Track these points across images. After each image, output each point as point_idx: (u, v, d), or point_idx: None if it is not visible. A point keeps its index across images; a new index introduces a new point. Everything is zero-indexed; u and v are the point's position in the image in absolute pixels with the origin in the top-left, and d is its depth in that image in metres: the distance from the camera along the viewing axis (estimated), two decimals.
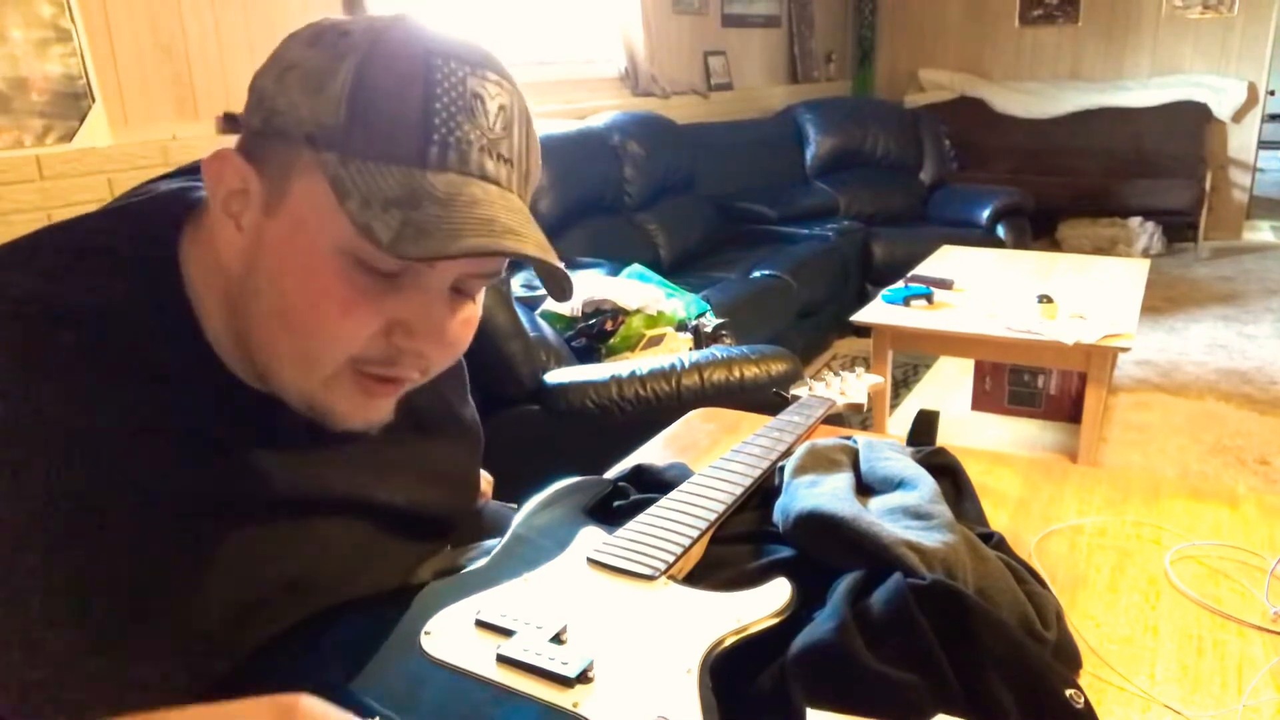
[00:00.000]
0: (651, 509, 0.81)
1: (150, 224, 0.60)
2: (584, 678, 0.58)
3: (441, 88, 0.53)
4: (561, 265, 0.57)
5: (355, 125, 0.51)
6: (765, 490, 0.88)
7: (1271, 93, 5.73)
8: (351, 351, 0.55)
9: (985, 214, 4.32)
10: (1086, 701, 0.61)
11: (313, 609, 0.64)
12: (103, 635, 0.52)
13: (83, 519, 0.51)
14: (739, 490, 0.84)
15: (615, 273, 2.76)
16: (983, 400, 3.16)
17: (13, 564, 0.49)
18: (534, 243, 0.55)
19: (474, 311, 0.61)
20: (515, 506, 0.84)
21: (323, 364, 0.55)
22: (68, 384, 0.52)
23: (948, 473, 0.92)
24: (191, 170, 0.65)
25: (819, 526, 0.75)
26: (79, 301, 0.54)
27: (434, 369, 0.61)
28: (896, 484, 0.84)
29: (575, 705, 0.56)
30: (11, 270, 0.55)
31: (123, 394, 0.54)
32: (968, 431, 3.03)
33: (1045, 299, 2.58)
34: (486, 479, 1.03)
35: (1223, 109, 5.47)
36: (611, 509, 0.86)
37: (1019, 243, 4.23)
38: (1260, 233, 5.95)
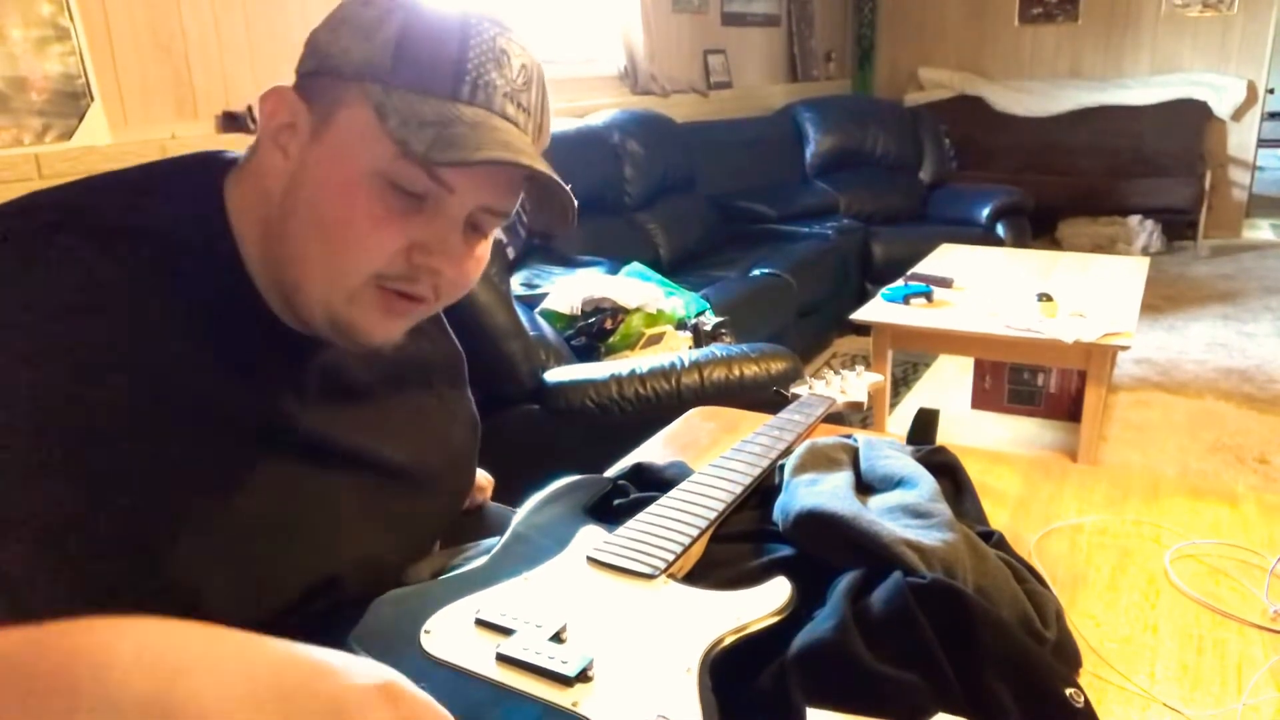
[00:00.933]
0: (651, 508, 0.81)
1: (194, 170, 0.66)
2: (584, 677, 0.58)
3: (476, 39, 0.61)
4: (569, 190, 0.65)
5: (400, 63, 0.58)
6: (765, 489, 0.88)
7: (1271, 91, 5.73)
8: (376, 265, 0.61)
9: (985, 212, 4.32)
10: (1086, 700, 0.61)
11: (295, 556, 0.66)
12: (109, 540, 0.54)
13: (116, 421, 0.55)
14: (739, 489, 0.84)
15: (615, 271, 2.76)
16: (982, 399, 3.16)
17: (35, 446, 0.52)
18: (546, 167, 0.62)
19: (485, 250, 0.68)
20: (514, 511, 0.84)
21: (350, 276, 0.61)
22: (119, 296, 0.57)
23: (947, 471, 0.92)
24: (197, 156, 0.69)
25: (819, 525, 0.75)
26: (135, 224, 0.60)
27: (444, 295, 0.66)
28: (896, 483, 0.84)
29: (575, 704, 0.56)
30: (74, 193, 0.61)
31: (170, 309, 0.59)
32: (967, 430, 3.03)
33: (1045, 297, 2.58)
34: (486, 478, 1.03)
35: (1222, 107, 5.47)
36: (611, 507, 0.86)
37: (1019, 241, 4.23)
38: (1260, 231, 5.95)
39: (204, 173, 0.66)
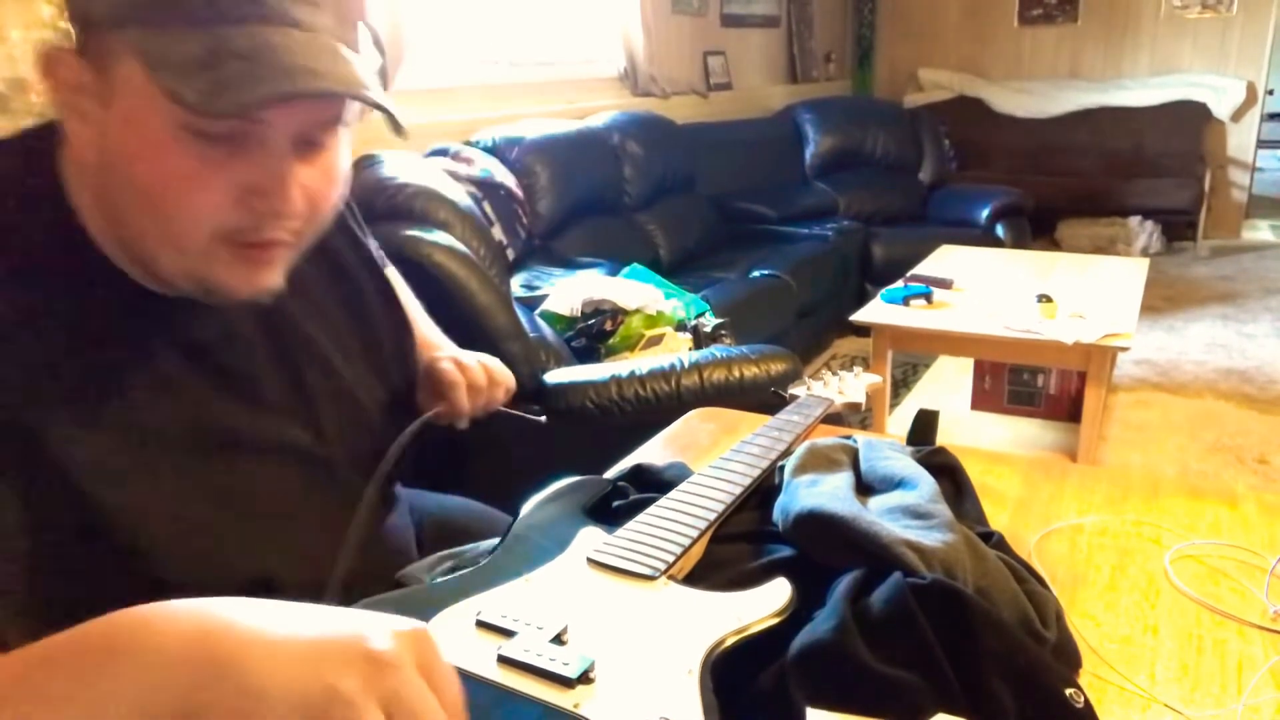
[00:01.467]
0: (651, 509, 0.81)
1: (24, 149, 0.61)
2: (585, 678, 0.58)
3: None
4: (384, 103, 0.57)
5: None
6: (765, 490, 0.88)
7: (1270, 92, 5.73)
8: (213, 224, 0.56)
9: (984, 213, 4.32)
10: (1086, 701, 0.61)
11: (219, 549, 0.64)
12: None
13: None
14: (739, 490, 0.84)
15: (614, 273, 2.76)
16: (982, 400, 3.16)
17: None
18: (336, 79, 0.54)
19: (331, 162, 0.61)
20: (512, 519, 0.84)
21: (190, 240, 0.56)
22: None
23: (947, 472, 0.92)
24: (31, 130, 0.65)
25: (819, 526, 0.75)
26: None
27: (306, 227, 0.62)
28: (896, 483, 0.84)
29: (576, 706, 0.56)
30: None
31: (19, 304, 0.55)
32: (967, 431, 3.03)
33: (1044, 298, 2.58)
34: (505, 375, 0.99)
35: (1222, 108, 5.47)
36: (611, 509, 0.86)
37: (1018, 242, 4.23)
38: (1259, 232, 5.95)
39: (37, 143, 0.61)
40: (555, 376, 1.92)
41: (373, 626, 0.44)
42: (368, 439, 0.77)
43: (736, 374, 1.90)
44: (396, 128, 0.60)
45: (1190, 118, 5.50)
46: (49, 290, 0.57)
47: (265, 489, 0.67)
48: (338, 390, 0.75)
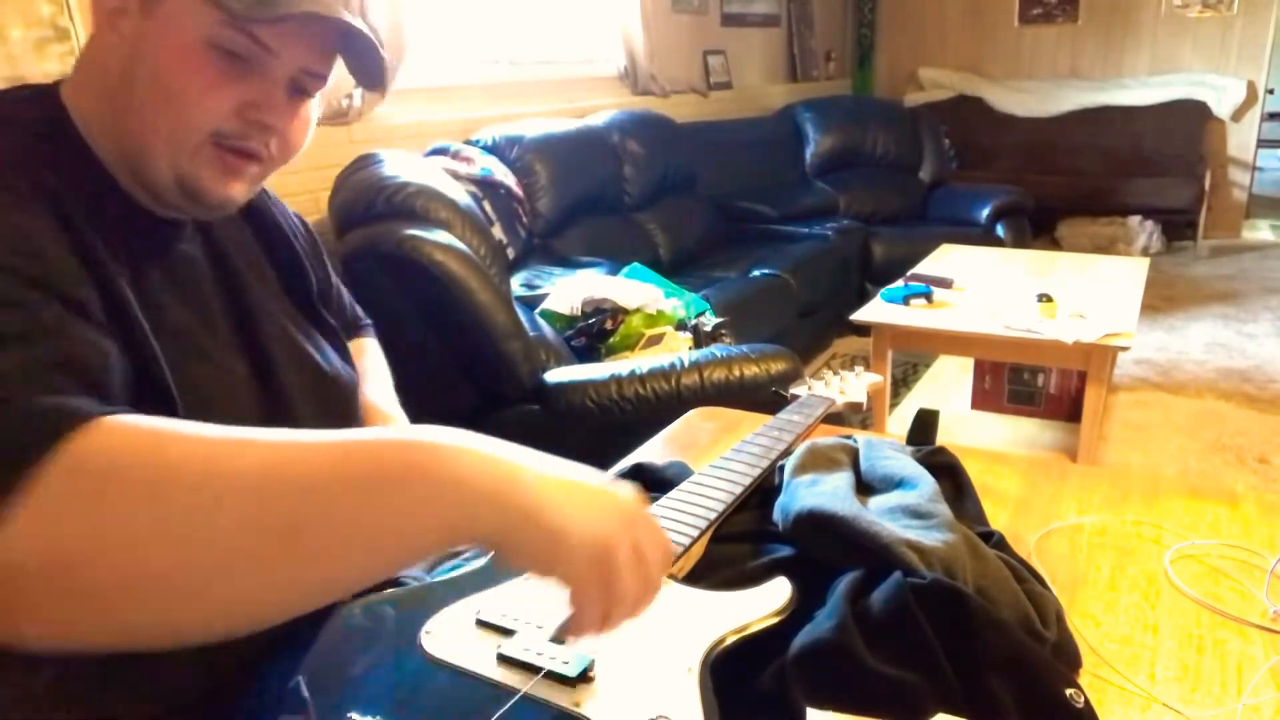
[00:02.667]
0: (651, 508, 0.81)
1: (25, 91, 0.69)
2: (585, 677, 0.58)
3: None
4: (379, 48, 0.71)
5: None
6: (765, 489, 0.88)
7: (1270, 91, 5.73)
8: (214, 123, 0.67)
9: (985, 213, 4.32)
10: (1086, 701, 0.61)
11: None
12: None
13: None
14: (739, 489, 0.84)
15: (615, 272, 2.76)
16: (982, 399, 3.16)
17: None
18: (357, 22, 0.68)
19: (309, 113, 0.74)
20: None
21: (191, 134, 0.67)
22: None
23: (947, 472, 0.92)
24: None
25: (819, 525, 0.75)
26: None
27: (277, 153, 0.72)
28: (896, 483, 0.85)
29: (576, 705, 0.56)
30: None
31: (28, 211, 0.60)
32: (967, 430, 3.03)
33: (1045, 298, 2.58)
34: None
35: (1222, 107, 5.47)
36: None
37: (1018, 241, 4.23)
38: (1259, 231, 5.95)
39: (36, 87, 0.70)
40: (555, 376, 1.92)
41: (617, 485, 0.55)
42: (311, 376, 0.82)
43: (737, 373, 1.90)
44: (375, 77, 0.72)
45: (1190, 117, 5.50)
46: (66, 205, 0.63)
47: (231, 409, 0.73)
48: (281, 334, 0.81)
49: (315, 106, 0.75)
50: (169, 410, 0.63)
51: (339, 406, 0.84)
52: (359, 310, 1.08)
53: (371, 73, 0.73)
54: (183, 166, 0.67)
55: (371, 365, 1.04)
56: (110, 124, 0.68)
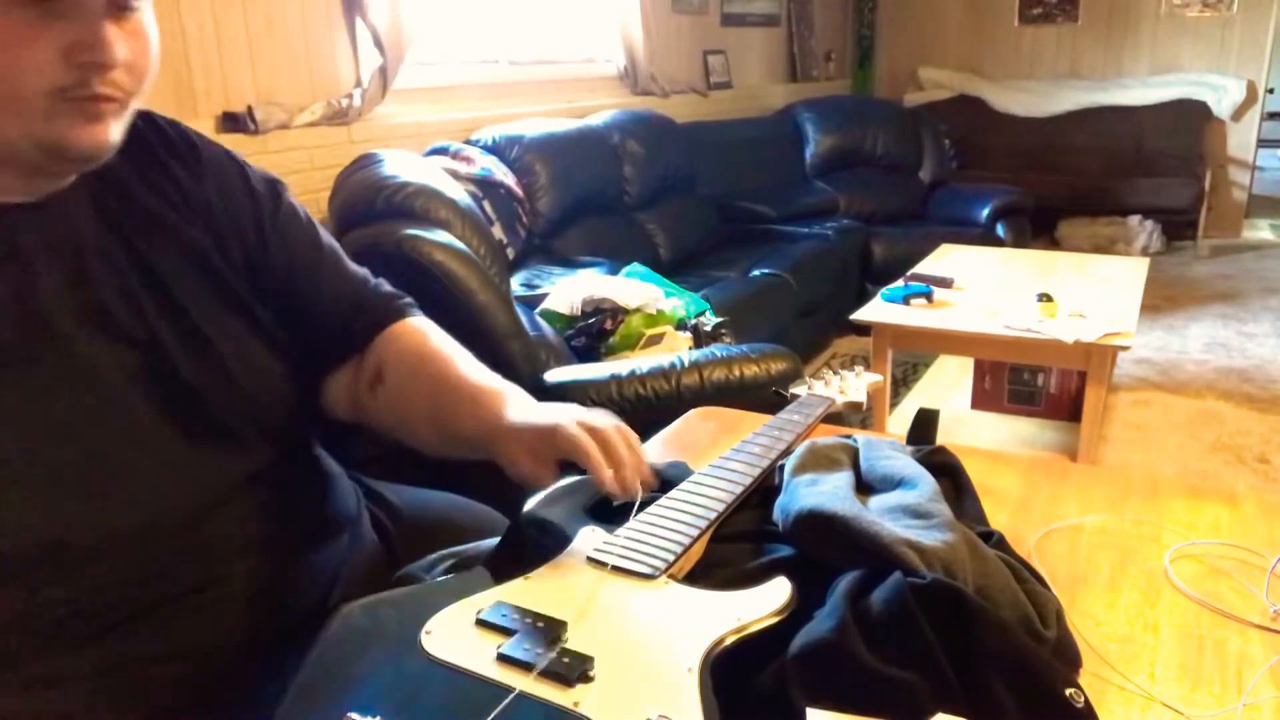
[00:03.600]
0: (651, 508, 0.81)
1: None
2: (584, 677, 0.58)
3: None
4: None
5: None
6: (765, 489, 0.88)
7: (1270, 91, 5.73)
8: (45, 83, 0.61)
9: (985, 213, 4.32)
10: (1086, 700, 0.61)
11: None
12: None
13: None
14: (739, 489, 0.84)
15: (615, 272, 2.76)
16: (982, 399, 3.16)
17: None
18: None
19: (141, 24, 0.67)
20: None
21: (27, 102, 0.61)
22: None
23: (948, 472, 0.92)
24: None
25: (819, 525, 0.75)
26: None
27: (130, 81, 0.67)
28: (896, 483, 0.85)
29: (576, 704, 0.56)
30: None
31: None
32: (967, 430, 3.03)
33: (1045, 297, 2.58)
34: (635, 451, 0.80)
35: (1222, 107, 5.47)
36: (611, 508, 0.86)
37: (1018, 241, 4.23)
38: (1259, 231, 5.95)
39: None
40: (555, 375, 1.92)
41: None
42: (215, 361, 0.75)
43: (737, 373, 1.90)
44: None
45: (1190, 117, 5.50)
46: None
47: (89, 418, 0.67)
48: (175, 314, 0.74)
49: (147, 14, 0.68)
50: None
51: (245, 405, 0.76)
52: (385, 289, 0.95)
53: None
54: (37, 132, 0.62)
55: (446, 344, 0.91)
56: None
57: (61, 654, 0.64)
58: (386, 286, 0.95)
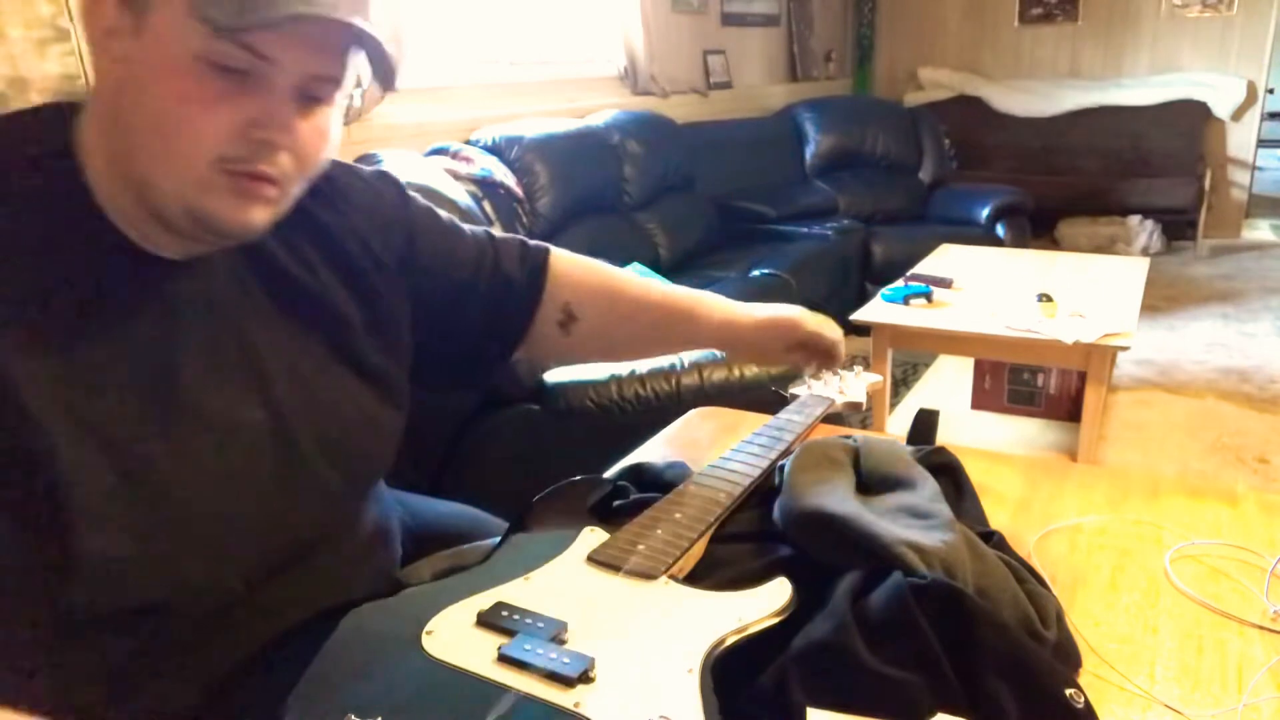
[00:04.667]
0: (652, 508, 0.81)
1: (38, 117, 0.66)
2: (585, 677, 0.58)
3: None
4: (383, 47, 0.63)
5: None
6: (765, 489, 0.88)
7: (1270, 91, 5.73)
8: (215, 149, 0.61)
9: (985, 213, 4.32)
10: (1086, 701, 0.61)
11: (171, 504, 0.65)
12: None
13: None
14: (739, 489, 0.85)
15: None
16: (982, 399, 3.16)
17: None
18: (349, 13, 0.61)
19: (325, 121, 0.67)
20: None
21: (192, 162, 0.61)
22: None
23: (947, 472, 0.92)
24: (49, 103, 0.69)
25: (819, 526, 0.75)
26: None
27: (293, 172, 0.66)
28: (896, 483, 0.85)
29: (577, 705, 0.56)
30: None
31: (12, 258, 0.59)
32: (967, 430, 3.03)
33: (1045, 297, 2.58)
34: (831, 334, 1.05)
35: (1222, 107, 5.47)
36: (612, 508, 0.86)
37: (1018, 241, 4.23)
38: (1259, 231, 5.95)
39: (51, 111, 0.66)
40: (555, 376, 1.92)
41: None
42: (342, 432, 0.76)
43: (737, 373, 1.90)
44: (387, 79, 0.65)
45: (1190, 117, 5.49)
46: (47, 243, 0.61)
47: (214, 468, 0.68)
48: (298, 375, 0.74)
49: (334, 113, 0.68)
50: (49, 498, 0.59)
51: (354, 462, 0.78)
52: (512, 238, 0.97)
53: (381, 72, 0.65)
54: (190, 198, 0.62)
55: (614, 271, 1.00)
56: (111, 158, 0.63)
57: (97, 690, 0.65)
58: (487, 231, 0.96)
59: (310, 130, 0.65)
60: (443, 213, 0.92)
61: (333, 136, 0.68)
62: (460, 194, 2.26)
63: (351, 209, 0.81)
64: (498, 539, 0.80)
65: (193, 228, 0.64)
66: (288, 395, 0.72)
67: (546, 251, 0.97)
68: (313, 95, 0.65)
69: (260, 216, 0.66)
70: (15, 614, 0.60)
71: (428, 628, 0.64)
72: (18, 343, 0.58)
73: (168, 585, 0.65)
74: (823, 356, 1.06)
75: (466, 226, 0.93)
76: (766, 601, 0.67)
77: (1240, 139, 5.61)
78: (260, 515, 0.70)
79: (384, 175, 0.88)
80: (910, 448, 0.95)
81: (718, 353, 1.97)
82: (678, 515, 0.79)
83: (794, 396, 1.13)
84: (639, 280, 1.01)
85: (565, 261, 0.97)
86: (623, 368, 1.90)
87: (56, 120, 0.65)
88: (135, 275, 0.65)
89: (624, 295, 0.99)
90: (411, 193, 0.89)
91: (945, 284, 2.90)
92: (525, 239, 0.98)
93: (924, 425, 1.07)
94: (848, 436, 0.96)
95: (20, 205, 0.61)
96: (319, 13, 0.59)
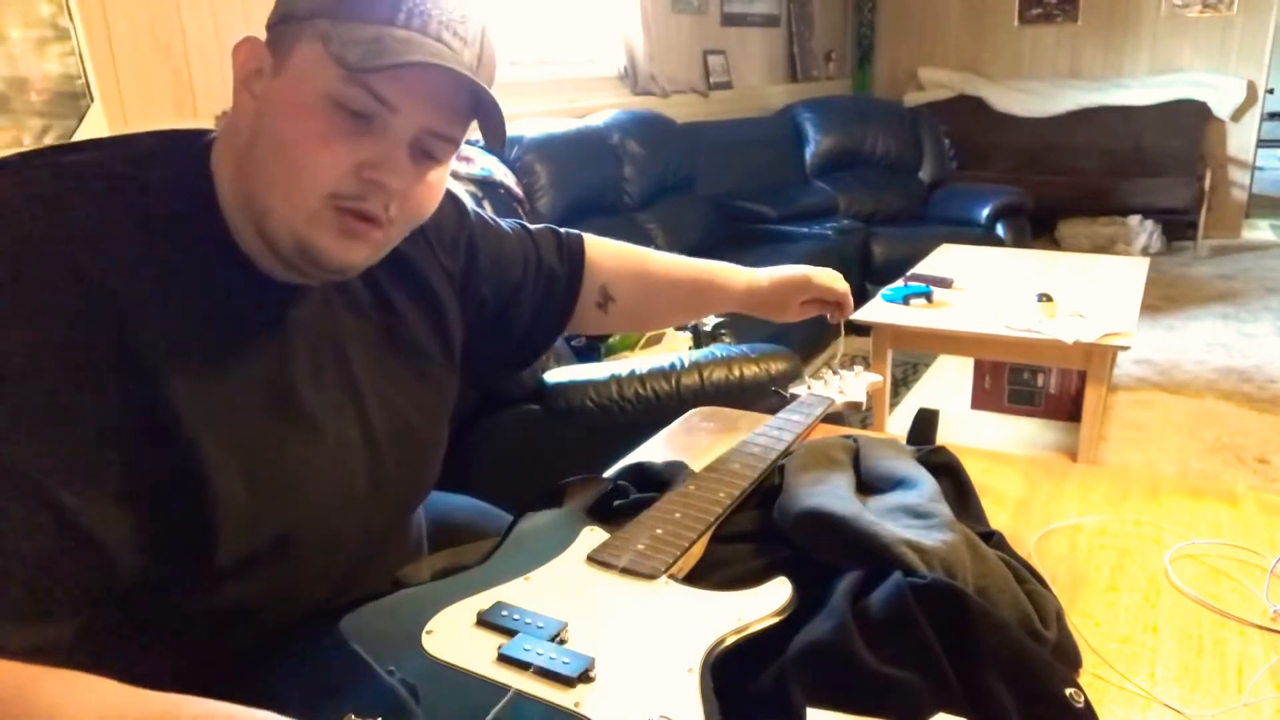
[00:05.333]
0: (652, 508, 0.81)
1: (180, 142, 0.70)
2: (585, 677, 0.58)
3: None
4: (499, 108, 0.67)
5: (345, 1, 0.64)
6: (765, 489, 0.88)
7: (1270, 91, 5.73)
8: (330, 183, 0.65)
9: (985, 213, 4.32)
10: (1086, 701, 0.61)
11: (276, 516, 0.69)
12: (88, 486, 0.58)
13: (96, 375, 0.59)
14: (739, 489, 0.84)
15: None
16: (982, 399, 3.16)
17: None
18: (469, 68, 0.66)
19: (439, 177, 0.71)
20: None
21: (307, 194, 0.65)
22: (113, 248, 0.62)
23: (948, 472, 0.92)
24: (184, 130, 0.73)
25: (819, 525, 0.75)
26: (140, 181, 0.66)
27: (399, 218, 0.70)
28: (896, 483, 0.85)
29: (577, 705, 0.56)
30: (82, 153, 0.67)
31: (155, 264, 0.64)
32: (967, 430, 3.03)
33: (1045, 297, 2.58)
34: (838, 288, 1.12)
35: (1222, 107, 5.47)
36: (611, 508, 0.86)
37: (1018, 241, 4.23)
38: (1259, 231, 5.95)
39: (192, 137, 0.71)
40: (555, 376, 1.92)
41: None
42: (416, 448, 0.84)
43: (737, 373, 1.90)
44: (497, 141, 0.69)
45: (1190, 117, 5.50)
46: (189, 266, 0.66)
47: (328, 481, 0.73)
48: (383, 395, 0.80)
49: (444, 174, 0.72)
50: (197, 508, 0.63)
51: (418, 455, 0.85)
52: (546, 229, 1.04)
53: (493, 135, 0.69)
54: (299, 230, 0.66)
55: (642, 252, 1.09)
56: (239, 185, 0.68)
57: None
58: (521, 224, 1.02)
59: (421, 182, 0.69)
60: (488, 215, 0.98)
61: (438, 191, 0.72)
62: (460, 194, 2.26)
63: (423, 234, 0.85)
64: (497, 539, 0.80)
65: (299, 259, 0.67)
66: (376, 414, 0.78)
67: (581, 240, 1.04)
68: (428, 152, 0.68)
69: (360, 256, 0.69)
70: (150, 618, 0.65)
71: (428, 627, 0.64)
72: (174, 367, 0.63)
73: (277, 593, 0.70)
74: (834, 307, 1.15)
75: (505, 223, 0.99)
76: (766, 601, 0.67)
77: (1240, 139, 5.61)
78: (355, 525, 0.76)
79: (445, 192, 0.92)
80: (910, 448, 0.95)
81: (718, 352, 1.97)
82: (678, 515, 0.79)
83: (794, 396, 1.13)
84: (664, 257, 1.11)
85: (598, 246, 1.05)
86: (623, 368, 1.90)
87: (196, 147, 0.69)
88: (259, 297, 0.70)
89: (654, 273, 1.09)
90: (466, 203, 0.95)
91: (945, 284, 2.90)
92: (555, 227, 1.04)
93: (924, 425, 1.07)
94: (848, 436, 0.96)
95: (163, 229, 0.65)
96: (445, 64, 0.63)
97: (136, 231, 0.64)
